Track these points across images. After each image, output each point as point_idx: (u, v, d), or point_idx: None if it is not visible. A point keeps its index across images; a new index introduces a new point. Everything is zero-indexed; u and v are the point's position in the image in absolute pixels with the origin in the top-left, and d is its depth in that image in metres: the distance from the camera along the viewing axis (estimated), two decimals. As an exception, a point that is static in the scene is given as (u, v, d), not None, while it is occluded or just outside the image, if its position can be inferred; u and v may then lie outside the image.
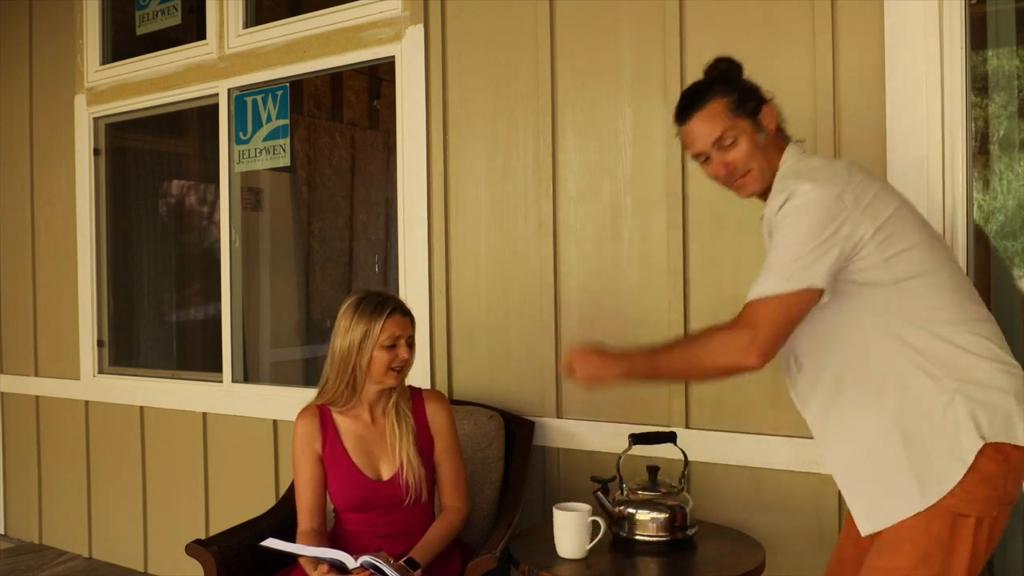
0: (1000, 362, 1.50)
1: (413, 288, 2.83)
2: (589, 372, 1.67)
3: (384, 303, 2.09)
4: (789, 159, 1.65)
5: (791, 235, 1.49)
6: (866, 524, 1.54)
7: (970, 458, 1.44)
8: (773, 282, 1.49)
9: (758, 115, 1.66)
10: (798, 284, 1.48)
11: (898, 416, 1.50)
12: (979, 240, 2.19)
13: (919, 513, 1.46)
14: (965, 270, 2.04)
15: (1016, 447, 1.46)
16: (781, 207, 1.51)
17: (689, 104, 1.68)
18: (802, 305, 1.50)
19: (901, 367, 1.50)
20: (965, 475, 1.44)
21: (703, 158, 1.69)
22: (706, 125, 1.65)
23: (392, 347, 2.07)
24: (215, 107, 3.40)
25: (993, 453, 1.45)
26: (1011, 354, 1.54)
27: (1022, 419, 1.47)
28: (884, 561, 1.51)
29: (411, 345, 2.12)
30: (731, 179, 1.68)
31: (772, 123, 1.67)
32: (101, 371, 3.79)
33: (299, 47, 3.13)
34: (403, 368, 2.10)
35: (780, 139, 1.69)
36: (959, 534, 1.45)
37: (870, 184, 1.54)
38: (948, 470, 1.45)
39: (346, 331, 2.07)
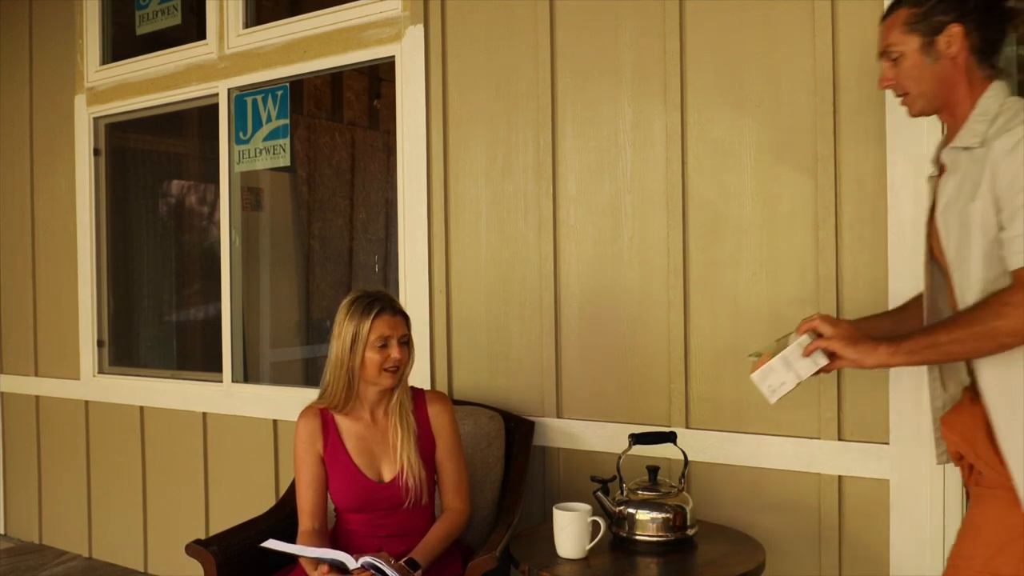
0: None
1: (413, 288, 2.83)
2: (862, 360, 1.45)
3: (373, 303, 2.06)
4: (992, 98, 1.47)
5: None
6: None
7: None
8: None
9: (936, 36, 1.48)
10: None
11: None
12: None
13: None
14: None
15: None
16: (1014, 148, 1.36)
17: (891, 5, 1.56)
18: None
19: None
20: None
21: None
22: (882, 33, 1.55)
23: (383, 347, 2.05)
24: (215, 107, 3.40)
25: None
26: None
27: None
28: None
29: (406, 344, 2.10)
30: (896, 93, 1.57)
31: (955, 49, 1.48)
32: (101, 371, 3.79)
33: (299, 47, 3.13)
34: (398, 368, 2.08)
35: (977, 69, 1.49)
36: None
37: None
38: None
39: (339, 334, 2.06)
